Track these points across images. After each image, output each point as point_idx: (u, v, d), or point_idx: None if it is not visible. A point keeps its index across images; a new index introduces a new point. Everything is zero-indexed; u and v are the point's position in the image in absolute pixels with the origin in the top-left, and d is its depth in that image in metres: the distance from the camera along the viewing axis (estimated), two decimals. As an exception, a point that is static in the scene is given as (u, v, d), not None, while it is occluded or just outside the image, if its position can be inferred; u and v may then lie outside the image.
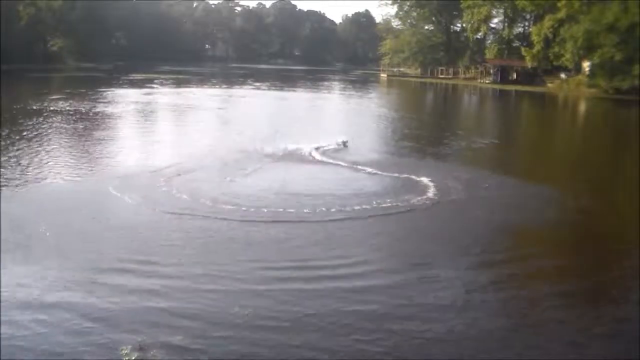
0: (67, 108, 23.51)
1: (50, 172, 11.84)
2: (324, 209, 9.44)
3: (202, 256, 7.21)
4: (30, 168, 12.07)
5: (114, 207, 9.50)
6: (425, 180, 11.75)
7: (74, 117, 20.95)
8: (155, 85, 42.18)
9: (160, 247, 7.52)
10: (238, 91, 41.06)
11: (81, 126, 19.12)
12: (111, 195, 10.09)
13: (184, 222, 8.64)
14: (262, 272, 6.79)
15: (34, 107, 23.13)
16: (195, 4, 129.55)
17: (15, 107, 23.01)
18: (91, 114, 22.00)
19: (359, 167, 13.21)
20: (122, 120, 21.20)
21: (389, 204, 9.87)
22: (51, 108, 23.13)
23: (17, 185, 10.60)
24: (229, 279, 6.51)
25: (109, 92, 33.31)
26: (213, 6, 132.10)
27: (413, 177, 12.10)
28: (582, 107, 39.06)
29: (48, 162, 12.80)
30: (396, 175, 12.36)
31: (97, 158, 13.73)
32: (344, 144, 15.90)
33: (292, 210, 9.34)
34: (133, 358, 4.69)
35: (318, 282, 6.55)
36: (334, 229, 8.58)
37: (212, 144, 16.32)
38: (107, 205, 9.60)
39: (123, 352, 4.75)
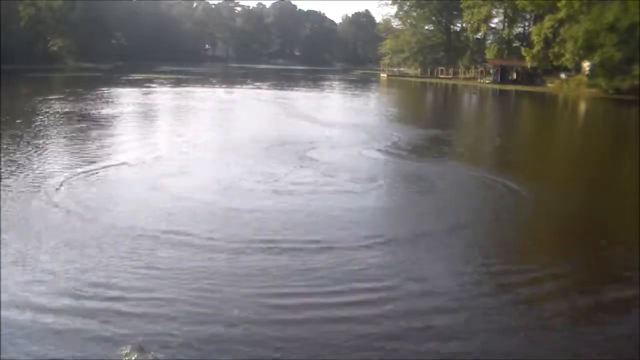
0: (62, 109, 23.36)
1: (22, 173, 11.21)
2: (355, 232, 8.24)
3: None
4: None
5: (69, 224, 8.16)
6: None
7: (67, 118, 20.76)
8: (154, 85, 42.21)
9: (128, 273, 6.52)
10: (239, 91, 41.04)
11: (73, 126, 18.78)
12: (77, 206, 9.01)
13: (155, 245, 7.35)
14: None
15: (28, 108, 23.01)
16: (195, 4, 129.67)
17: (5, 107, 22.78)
18: (86, 114, 21.78)
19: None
20: (117, 121, 20.86)
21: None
22: (43, 108, 22.99)
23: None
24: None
25: (107, 92, 33.29)
26: (213, 6, 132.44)
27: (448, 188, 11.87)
28: (584, 107, 38.99)
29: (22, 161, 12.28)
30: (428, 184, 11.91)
31: (76, 162, 12.70)
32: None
33: (302, 230, 8.26)
34: (133, 358, 4.69)
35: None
36: (367, 255, 7.40)
37: (212, 145, 16.13)
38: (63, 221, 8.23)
39: (123, 352, 4.75)
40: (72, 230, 7.85)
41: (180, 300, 5.77)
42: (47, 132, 17.15)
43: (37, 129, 17.56)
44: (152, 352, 4.78)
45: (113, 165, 12.43)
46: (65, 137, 16.66)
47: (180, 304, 5.68)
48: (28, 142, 14.76)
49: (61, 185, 10.33)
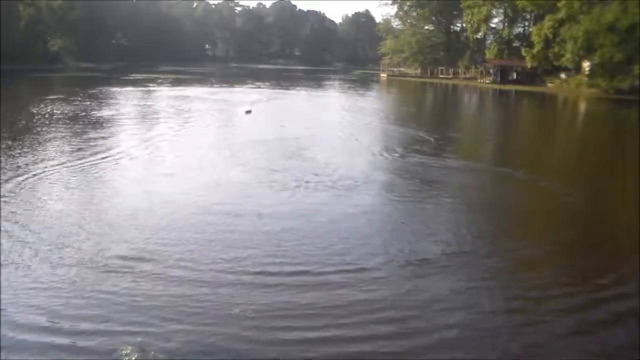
0: (58, 110, 23.22)
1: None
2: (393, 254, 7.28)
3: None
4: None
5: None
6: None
7: (61, 119, 20.67)
8: (154, 85, 42.19)
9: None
10: (239, 91, 40.97)
11: (65, 127, 18.61)
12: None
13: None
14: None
15: (20, 108, 22.91)
16: (195, 4, 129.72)
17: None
18: (81, 116, 21.58)
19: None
20: (110, 123, 20.53)
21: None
22: (38, 109, 22.91)
23: None
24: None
25: (106, 93, 33.28)
26: (213, 6, 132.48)
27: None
28: (588, 107, 38.82)
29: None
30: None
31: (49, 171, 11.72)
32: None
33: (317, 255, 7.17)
34: (133, 358, 4.69)
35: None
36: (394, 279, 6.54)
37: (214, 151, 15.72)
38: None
39: (123, 352, 4.75)
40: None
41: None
42: (32, 133, 16.98)
43: (23, 129, 17.47)
44: (152, 352, 4.77)
45: (89, 165, 12.28)
46: (55, 137, 16.55)
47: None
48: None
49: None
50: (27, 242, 7.26)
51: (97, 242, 7.38)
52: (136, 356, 4.70)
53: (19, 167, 11.76)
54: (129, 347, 4.80)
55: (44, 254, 6.88)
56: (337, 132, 19.56)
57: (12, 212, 8.55)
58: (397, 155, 15.17)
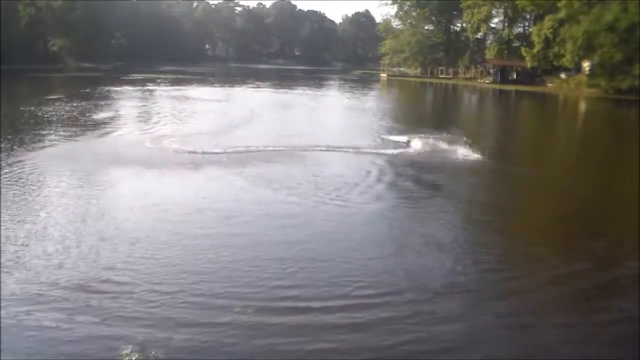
0: (56, 111, 23.17)
1: None
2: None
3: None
4: None
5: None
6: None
7: (55, 119, 20.61)
8: (153, 85, 42.14)
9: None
10: (240, 91, 40.97)
11: (56, 129, 18.48)
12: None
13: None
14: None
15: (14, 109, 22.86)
16: (195, 4, 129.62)
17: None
18: (76, 117, 21.44)
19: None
20: (105, 124, 20.12)
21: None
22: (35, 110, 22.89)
23: None
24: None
25: (104, 93, 33.21)
26: (213, 6, 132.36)
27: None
28: (589, 107, 38.69)
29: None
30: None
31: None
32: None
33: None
34: (134, 358, 4.68)
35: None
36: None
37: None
38: None
39: (123, 352, 4.74)
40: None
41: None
42: (27, 132, 16.91)
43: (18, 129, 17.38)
44: (152, 352, 4.76)
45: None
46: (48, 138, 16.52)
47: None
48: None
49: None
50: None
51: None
52: (136, 356, 4.70)
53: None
54: (129, 346, 4.79)
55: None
56: (355, 134, 19.49)
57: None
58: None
